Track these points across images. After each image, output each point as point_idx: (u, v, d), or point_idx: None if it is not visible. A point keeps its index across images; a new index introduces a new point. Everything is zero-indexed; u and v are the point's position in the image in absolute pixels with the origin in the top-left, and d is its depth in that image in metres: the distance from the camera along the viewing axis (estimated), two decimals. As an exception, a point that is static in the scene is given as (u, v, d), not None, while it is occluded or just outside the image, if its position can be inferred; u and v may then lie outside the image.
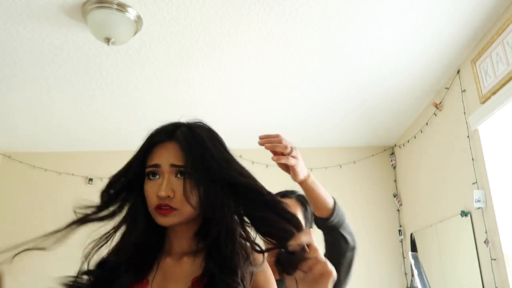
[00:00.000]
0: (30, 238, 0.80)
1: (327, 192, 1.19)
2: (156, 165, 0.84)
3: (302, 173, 1.06)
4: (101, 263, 0.85)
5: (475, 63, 2.34)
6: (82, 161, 3.89)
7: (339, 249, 1.23)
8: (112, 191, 0.87)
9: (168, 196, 0.81)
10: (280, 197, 1.36)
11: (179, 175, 0.83)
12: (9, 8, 1.97)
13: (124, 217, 0.87)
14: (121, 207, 0.87)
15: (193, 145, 0.85)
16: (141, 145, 0.89)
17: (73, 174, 3.85)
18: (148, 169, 0.85)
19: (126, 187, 0.87)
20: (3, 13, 2.01)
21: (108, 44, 2.03)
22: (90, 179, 3.81)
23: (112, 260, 0.84)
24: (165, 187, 0.81)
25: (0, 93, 2.81)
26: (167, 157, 0.84)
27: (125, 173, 0.88)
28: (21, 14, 2.01)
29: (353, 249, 1.24)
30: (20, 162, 3.89)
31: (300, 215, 1.34)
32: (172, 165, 0.84)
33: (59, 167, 3.88)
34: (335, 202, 1.19)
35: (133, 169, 0.86)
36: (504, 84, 2.05)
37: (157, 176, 0.84)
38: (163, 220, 0.83)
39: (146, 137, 0.90)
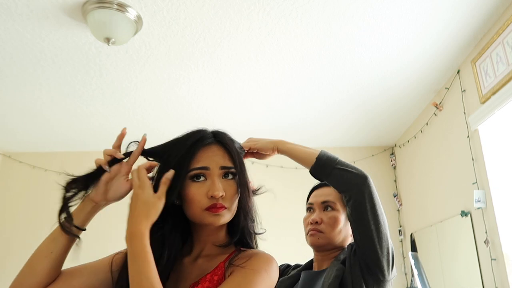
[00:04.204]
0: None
1: (311, 148, 1.18)
2: (205, 168, 0.85)
3: (268, 152, 1.18)
4: None
5: (475, 63, 2.34)
6: (82, 161, 3.89)
7: (348, 186, 1.10)
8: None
9: (221, 196, 0.84)
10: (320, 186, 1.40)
11: (224, 177, 0.87)
12: (9, 8, 1.97)
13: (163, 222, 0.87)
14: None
15: (235, 147, 0.91)
16: (181, 150, 0.87)
17: (73, 174, 3.84)
18: (194, 172, 0.85)
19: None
20: (3, 13, 2.01)
21: (108, 44, 2.03)
22: (90, 179, 3.81)
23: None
24: (220, 187, 0.84)
25: (0, 93, 2.81)
26: (216, 159, 0.87)
27: (174, 180, 0.85)
28: (21, 14, 2.01)
29: (365, 179, 1.10)
30: (20, 162, 3.89)
31: (339, 201, 1.33)
32: (223, 167, 0.87)
33: (59, 167, 3.88)
34: (321, 153, 1.15)
35: (183, 174, 0.85)
36: (504, 84, 2.05)
37: (202, 178, 0.85)
38: (213, 220, 0.85)
39: (181, 142, 0.89)
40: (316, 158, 1.13)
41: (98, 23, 1.98)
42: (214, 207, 0.84)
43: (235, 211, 0.88)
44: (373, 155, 3.94)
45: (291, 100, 3.00)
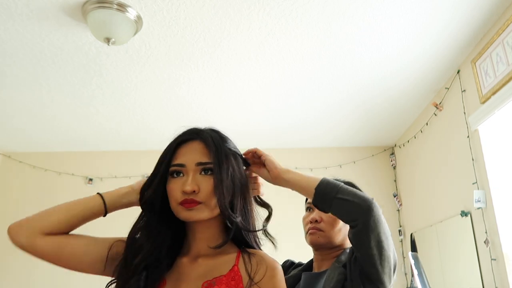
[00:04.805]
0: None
1: (314, 177, 1.09)
2: (181, 165, 0.87)
3: (269, 174, 1.10)
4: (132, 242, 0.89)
5: (475, 63, 2.34)
6: (82, 161, 3.89)
7: (351, 217, 1.02)
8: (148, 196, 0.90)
9: (194, 191, 0.84)
10: None
11: (203, 172, 0.87)
12: (9, 8, 1.97)
13: (151, 218, 0.90)
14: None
15: (218, 143, 0.90)
16: (166, 148, 0.92)
17: (73, 174, 3.85)
18: (172, 168, 0.88)
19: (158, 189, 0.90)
20: (3, 13, 2.01)
21: (108, 44, 2.03)
22: (90, 179, 3.81)
23: (141, 245, 0.88)
24: (191, 182, 0.84)
25: (0, 93, 2.81)
26: (192, 156, 0.88)
27: (155, 176, 0.90)
28: (21, 14, 2.01)
29: (368, 207, 1.01)
30: (20, 162, 3.89)
31: None
32: (198, 164, 0.87)
33: (59, 167, 3.88)
34: (320, 182, 1.06)
35: (161, 171, 0.89)
36: (504, 84, 2.05)
37: (181, 175, 0.87)
38: (187, 215, 0.85)
39: (171, 141, 0.93)
40: (315, 189, 1.05)
41: (98, 23, 1.98)
42: (186, 202, 0.85)
43: (214, 208, 0.87)
44: (373, 155, 3.94)
45: (291, 100, 3.00)
